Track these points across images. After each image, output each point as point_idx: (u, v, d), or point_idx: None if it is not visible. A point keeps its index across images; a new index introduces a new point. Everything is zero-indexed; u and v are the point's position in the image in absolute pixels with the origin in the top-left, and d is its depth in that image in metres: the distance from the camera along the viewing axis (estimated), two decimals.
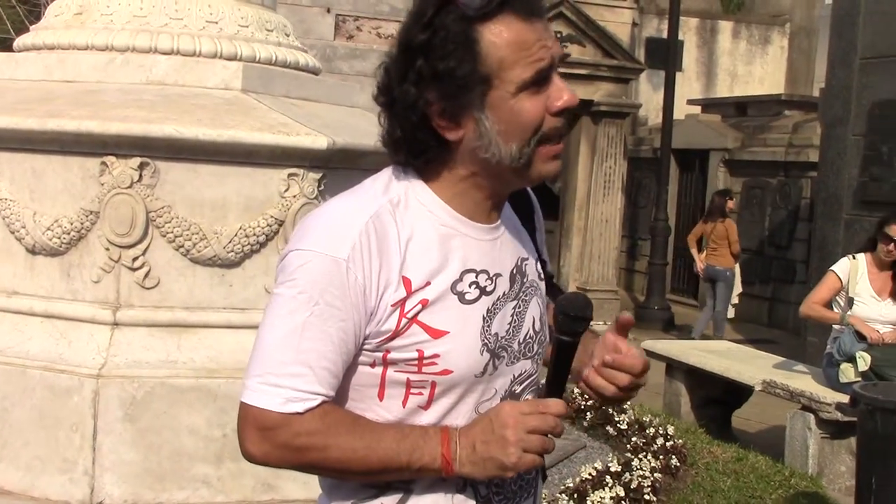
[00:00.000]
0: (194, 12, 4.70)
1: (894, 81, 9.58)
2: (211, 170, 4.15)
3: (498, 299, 1.66)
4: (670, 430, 5.54)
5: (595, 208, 13.38)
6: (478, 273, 1.64)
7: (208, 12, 4.73)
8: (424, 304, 1.57)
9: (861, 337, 6.02)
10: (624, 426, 5.58)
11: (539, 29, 1.59)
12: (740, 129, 15.38)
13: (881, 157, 9.60)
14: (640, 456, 4.98)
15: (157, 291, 4.11)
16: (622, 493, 4.40)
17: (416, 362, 1.58)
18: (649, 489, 4.55)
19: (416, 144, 1.60)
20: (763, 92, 18.29)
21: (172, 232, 4.07)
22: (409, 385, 1.60)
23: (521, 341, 1.70)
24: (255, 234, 4.17)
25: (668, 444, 5.29)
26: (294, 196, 4.20)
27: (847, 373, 6.02)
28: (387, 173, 1.67)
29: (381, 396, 1.61)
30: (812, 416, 6.07)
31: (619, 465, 4.76)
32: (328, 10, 11.24)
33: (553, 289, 1.87)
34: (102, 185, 4.03)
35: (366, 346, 1.58)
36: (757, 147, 14.79)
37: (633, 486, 4.51)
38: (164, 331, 4.10)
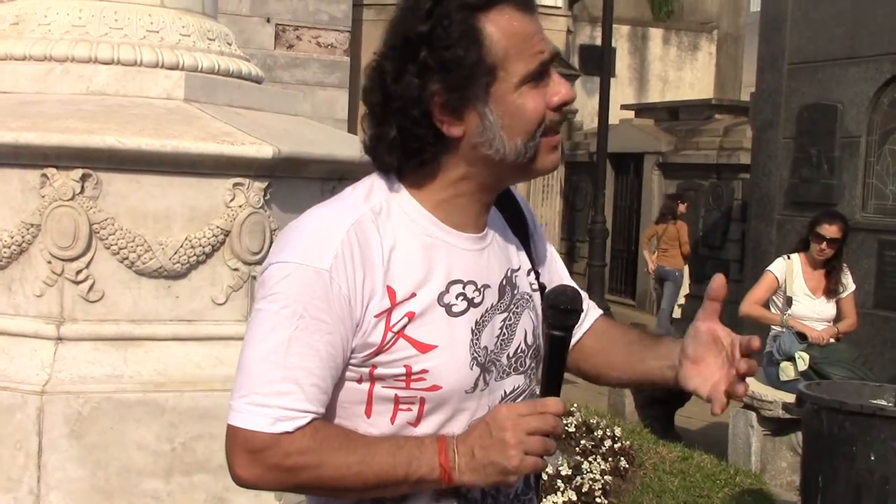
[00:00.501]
0: (134, 21, 4.54)
1: (821, 86, 9.68)
2: (155, 180, 4.00)
3: (486, 311, 1.57)
4: (618, 431, 5.49)
5: (535, 212, 13.34)
6: (465, 284, 1.55)
7: (149, 21, 4.58)
8: (411, 316, 1.49)
9: (802, 337, 6.03)
10: (572, 429, 5.52)
11: (536, 23, 1.53)
12: (673, 133, 15.48)
13: (810, 160, 9.70)
14: (589, 459, 4.91)
15: (102, 305, 3.95)
16: (574, 497, 4.33)
17: (403, 378, 1.50)
18: (600, 492, 4.49)
19: (413, 143, 1.50)
20: (693, 96, 18.48)
21: (116, 244, 3.92)
22: (397, 401, 1.51)
23: (510, 355, 1.61)
24: (200, 245, 4.03)
25: (616, 445, 5.23)
26: (240, 206, 4.07)
27: (787, 371, 6.03)
28: (368, 181, 1.59)
29: (368, 413, 1.52)
30: (754, 415, 6.07)
31: (569, 468, 4.69)
32: (268, 20, 11.08)
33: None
34: (43, 197, 3.87)
35: (352, 361, 1.50)
36: (689, 150, 14.90)
37: (585, 489, 4.44)
38: (109, 345, 3.94)
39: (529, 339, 1.65)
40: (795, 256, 6.45)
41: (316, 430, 1.47)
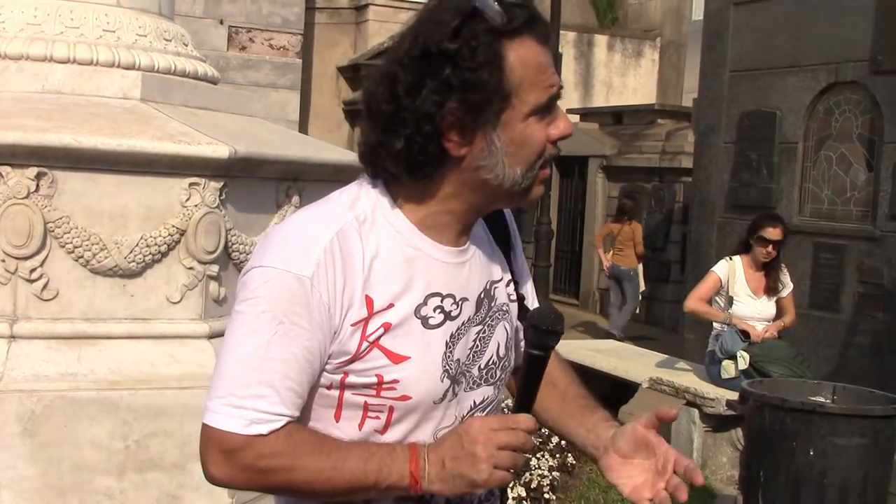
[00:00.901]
0: (91, 21, 4.48)
1: (761, 93, 9.80)
2: (110, 179, 3.94)
3: (462, 324, 1.56)
4: None
5: None
6: (443, 297, 1.54)
7: (105, 21, 4.51)
8: (387, 327, 1.48)
9: (744, 335, 6.10)
10: None
11: (550, 56, 1.52)
12: (617, 137, 15.59)
13: (750, 164, 9.81)
14: (537, 455, 4.92)
15: (56, 303, 3.89)
16: (524, 494, 4.34)
17: (374, 387, 1.49)
18: (548, 488, 4.51)
19: (418, 157, 1.48)
20: (636, 102, 18.61)
21: (72, 242, 3.85)
22: (366, 408, 1.51)
23: (482, 367, 1.61)
24: (156, 244, 3.98)
25: (562, 442, 5.25)
26: (195, 205, 4.02)
27: (728, 369, 6.09)
28: (354, 188, 1.57)
29: (337, 418, 1.52)
30: (696, 411, 6.12)
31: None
32: (221, 22, 10.99)
33: (524, 311, 1.74)
34: None
35: (326, 367, 1.49)
36: (633, 154, 15.01)
37: (534, 485, 4.45)
38: (63, 343, 3.87)
39: (501, 352, 1.65)
40: (737, 258, 6.53)
41: (290, 433, 1.47)
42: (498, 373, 1.65)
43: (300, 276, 1.44)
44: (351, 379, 1.49)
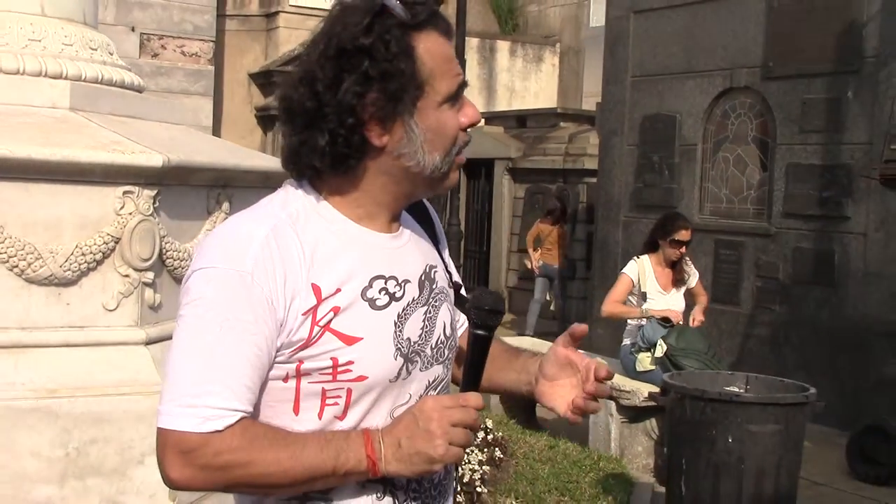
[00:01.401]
0: (16, 30, 4.37)
1: (661, 97, 10.03)
2: (44, 189, 3.86)
3: (408, 305, 1.59)
4: (490, 423, 5.57)
5: None
6: (387, 279, 1.57)
7: (31, 30, 4.41)
8: (336, 311, 1.50)
9: (666, 322, 6.23)
10: None
11: (452, 49, 1.59)
12: (521, 140, 15.76)
13: (653, 165, 10.04)
14: (467, 450, 4.96)
15: None
16: (457, 488, 4.39)
17: (330, 371, 1.50)
18: (479, 481, 4.56)
19: (342, 149, 1.52)
20: (538, 105, 18.82)
21: (6, 252, 3.76)
22: (324, 395, 1.52)
23: (433, 346, 1.64)
24: (91, 252, 3.91)
25: (489, 437, 5.31)
26: (130, 213, 3.96)
27: (643, 362, 6.24)
28: (282, 193, 1.61)
29: (296, 411, 1.52)
30: (613, 404, 6.24)
31: None
32: (133, 29, 10.79)
33: (461, 298, 1.78)
34: None
35: (278, 359, 1.49)
36: (537, 156, 15.19)
37: (465, 479, 4.50)
38: (0, 352, 3.79)
39: (448, 332, 1.69)
40: (644, 258, 6.68)
41: (245, 428, 1.46)
42: (446, 352, 1.68)
43: (240, 272, 1.46)
44: (306, 365, 1.50)
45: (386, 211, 1.61)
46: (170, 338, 4.18)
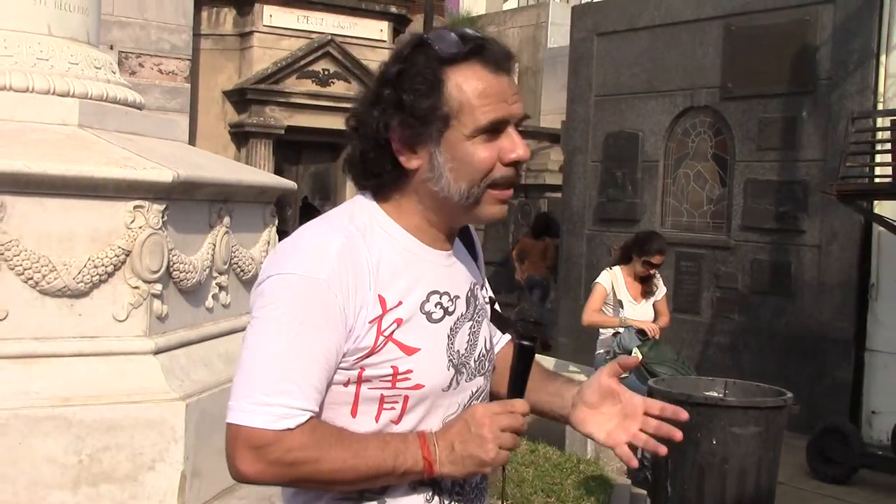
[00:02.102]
0: (24, 49, 4.37)
1: (624, 116, 10.17)
2: (58, 203, 3.86)
3: (458, 319, 1.65)
4: None
5: None
6: (441, 294, 1.63)
7: (38, 49, 4.42)
8: (399, 322, 1.55)
9: (641, 334, 6.32)
10: None
11: (503, 83, 1.59)
12: None
13: (616, 181, 10.17)
14: None
15: (7, 323, 3.78)
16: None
17: (390, 378, 1.55)
18: None
19: (374, 166, 1.59)
20: None
21: (21, 265, 3.76)
22: (382, 401, 1.57)
23: (475, 359, 1.69)
24: (103, 265, 3.92)
25: None
26: (140, 227, 3.98)
27: None
28: (350, 205, 1.65)
29: (353, 413, 1.57)
30: None
31: None
32: (111, 47, 10.73)
33: (495, 314, 1.84)
34: None
35: (342, 365, 1.54)
36: None
37: None
38: (15, 362, 3.77)
39: (488, 345, 1.74)
40: (616, 269, 6.78)
41: (314, 427, 1.51)
42: (487, 364, 1.73)
43: (317, 280, 1.50)
44: (368, 372, 1.55)
45: (438, 230, 1.65)
46: (177, 347, 4.20)
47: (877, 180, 7.35)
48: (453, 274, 1.68)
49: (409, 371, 1.55)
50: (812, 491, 6.75)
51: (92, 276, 3.91)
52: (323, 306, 1.49)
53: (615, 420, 1.72)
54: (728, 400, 4.51)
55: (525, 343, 1.63)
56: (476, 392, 1.69)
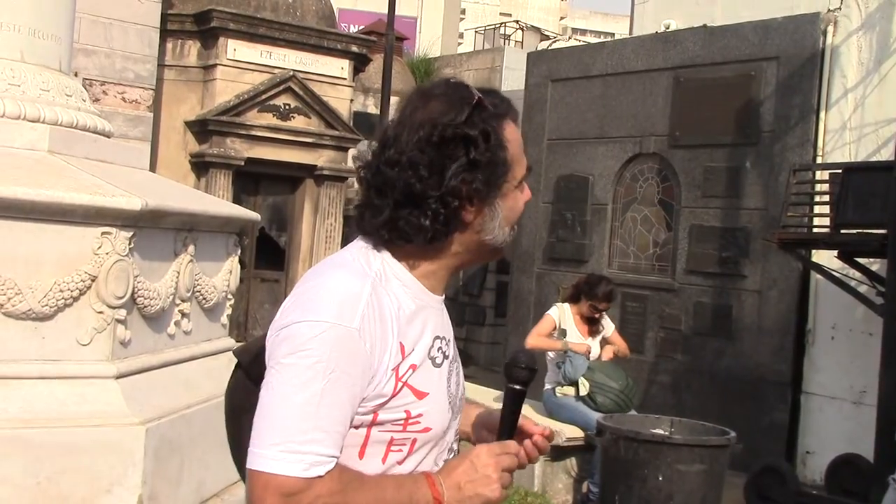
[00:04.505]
0: None
1: (575, 160, 10.30)
2: (26, 227, 3.84)
3: (451, 362, 1.68)
4: None
5: (317, 260, 13.33)
6: (441, 339, 1.66)
7: (10, 75, 4.40)
8: (413, 368, 1.57)
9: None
10: None
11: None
12: None
13: (566, 222, 10.27)
14: None
15: None
16: None
17: (402, 422, 1.57)
18: None
19: (440, 227, 1.58)
20: None
21: None
22: (391, 443, 1.58)
23: (459, 398, 1.72)
24: (69, 289, 3.89)
25: None
26: (107, 253, 3.96)
27: (567, 392, 6.35)
28: (359, 251, 1.63)
29: (361, 455, 1.57)
30: None
31: None
32: (76, 74, 10.64)
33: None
34: None
35: (359, 410, 1.54)
36: None
37: None
38: None
39: (463, 387, 1.77)
40: (566, 305, 6.83)
41: (340, 472, 1.51)
42: (460, 404, 1.76)
43: (349, 329, 1.49)
44: (381, 416, 1.55)
45: (448, 275, 1.69)
46: (138, 373, 4.17)
47: (815, 230, 7.53)
48: (445, 318, 1.71)
49: (420, 415, 1.58)
50: None
51: (57, 300, 3.87)
52: (354, 355, 1.49)
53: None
54: (674, 438, 4.57)
55: (516, 387, 1.69)
56: (455, 431, 1.73)
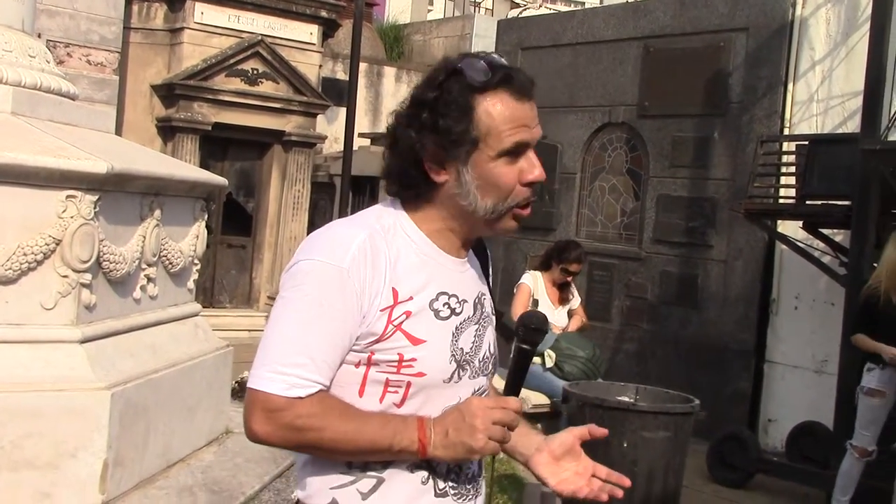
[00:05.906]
0: None
1: (545, 128, 10.01)
2: None
3: (464, 320, 1.75)
4: None
5: (284, 227, 13.30)
6: (450, 296, 1.73)
7: None
8: (408, 314, 1.66)
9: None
10: None
11: (526, 109, 1.71)
12: None
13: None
14: None
15: None
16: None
17: (395, 364, 1.66)
18: None
19: (408, 179, 1.71)
20: None
21: None
22: (387, 384, 1.67)
23: (480, 359, 1.79)
24: (33, 253, 3.85)
25: None
26: (72, 217, 3.92)
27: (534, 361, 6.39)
28: (379, 206, 1.78)
29: (360, 393, 1.67)
30: None
31: None
32: (39, 35, 10.45)
33: (500, 325, 1.96)
34: None
35: (355, 347, 1.65)
36: None
37: None
38: None
39: (492, 349, 1.84)
40: (538, 273, 6.86)
41: (322, 399, 1.62)
42: (490, 366, 1.83)
43: (339, 267, 1.61)
44: (376, 356, 1.65)
45: (456, 238, 1.76)
46: (103, 337, 4.14)
47: (781, 201, 7.59)
48: (465, 280, 1.78)
49: (414, 359, 1.66)
50: (712, 494, 6.93)
51: (21, 264, 3.83)
52: (342, 291, 1.61)
53: (568, 474, 1.86)
54: (639, 405, 4.61)
55: (524, 346, 1.74)
56: (478, 390, 1.79)
